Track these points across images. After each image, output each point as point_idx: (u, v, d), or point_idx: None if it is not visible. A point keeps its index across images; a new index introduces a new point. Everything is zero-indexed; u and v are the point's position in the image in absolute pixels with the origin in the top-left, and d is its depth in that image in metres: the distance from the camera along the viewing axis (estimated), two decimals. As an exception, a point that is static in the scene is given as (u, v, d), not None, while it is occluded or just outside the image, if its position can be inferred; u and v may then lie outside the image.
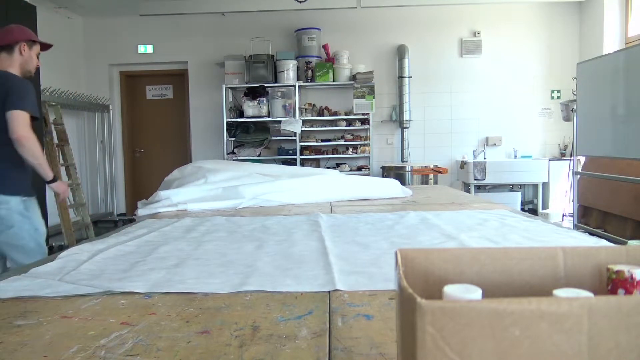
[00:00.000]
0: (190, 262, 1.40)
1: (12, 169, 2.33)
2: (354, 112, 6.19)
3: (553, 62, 6.50)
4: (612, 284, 0.57)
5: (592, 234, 3.81)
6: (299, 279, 1.20)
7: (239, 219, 2.17)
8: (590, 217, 5.07)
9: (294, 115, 6.16)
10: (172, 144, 7.06)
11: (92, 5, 6.15)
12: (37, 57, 2.46)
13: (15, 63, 2.37)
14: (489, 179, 6.02)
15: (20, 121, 2.22)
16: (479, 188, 6.20)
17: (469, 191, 5.85)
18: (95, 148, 6.72)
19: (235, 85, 6.26)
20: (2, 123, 2.23)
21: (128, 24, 6.66)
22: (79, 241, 3.04)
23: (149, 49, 6.72)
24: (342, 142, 6.37)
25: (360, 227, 1.92)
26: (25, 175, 2.39)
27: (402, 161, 6.43)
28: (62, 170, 5.42)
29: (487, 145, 6.55)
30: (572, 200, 5.10)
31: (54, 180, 2.45)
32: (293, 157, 6.25)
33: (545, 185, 6.22)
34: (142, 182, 6.99)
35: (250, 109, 6.11)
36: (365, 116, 6.21)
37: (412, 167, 5.88)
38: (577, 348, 0.43)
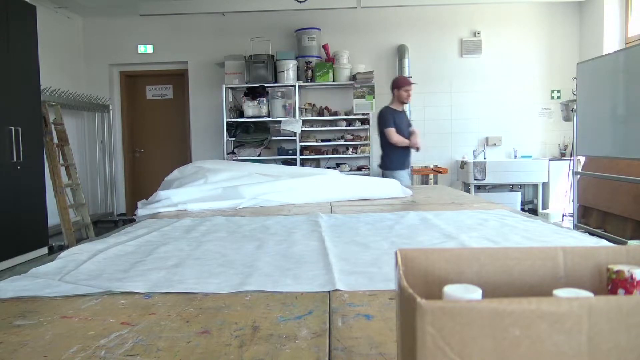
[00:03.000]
0: (190, 262, 1.40)
1: (395, 159, 4.34)
2: (354, 112, 6.20)
3: (553, 62, 6.51)
4: (612, 284, 0.57)
5: (592, 234, 3.81)
6: (299, 279, 1.20)
7: (239, 219, 2.17)
8: (590, 217, 5.07)
9: (294, 115, 6.16)
10: (172, 144, 7.06)
11: (92, 5, 6.15)
12: (407, 93, 4.35)
13: (395, 98, 4.40)
14: (489, 179, 6.02)
15: (389, 134, 4.28)
16: (479, 188, 6.20)
17: (469, 191, 5.85)
18: (95, 148, 6.72)
19: (235, 85, 6.26)
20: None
21: (128, 24, 6.66)
22: (79, 241, 3.05)
23: (149, 49, 6.72)
24: (342, 142, 6.37)
25: (360, 227, 1.91)
26: (397, 159, 4.35)
27: (402, 161, 6.42)
28: (62, 170, 5.43)
29: (487, 145, 6.55)
30: (572, 200, 5.10)
31: (409, 142, 4.33)
32: (293, 157, 6.25)
33: (545, 185, 6.22)
34: (142, 182, 6.99)
35: (250, 109, 6.11)
36: (365, 116, 6.21)
37: (412, 167, 5.87)
38: (577, 348, 0.43)
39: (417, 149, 4.39)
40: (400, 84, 4.41)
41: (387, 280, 1.16)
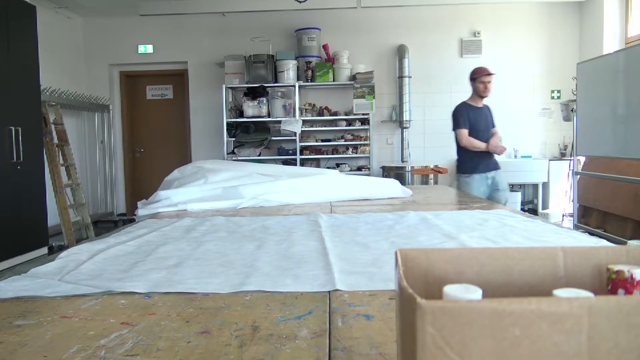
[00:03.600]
0: (190, 262, 1.40)
1: (468, 160, 3.85)
2: (354, 112, 6.20)
3: (553, 62, 6.50)
4: (612, 284, 0.57)
5: (592, 234, 3.81)
6: (298, 279, 1.20)
7: (239, 219, 2.17)
8: (590, 217, 5.07)
9: (294, 115, 6.16)
10: (172, 144, 7.06)
11: (92, 5, 6.15)
12: (483, 85, 3.86)
13: (473, 92, 3.96)
14: (489, 179, 6.01)
15: (459, 136, 3.83)
16: (479, 188, 6.19)
17: (469, 191, 5.84)
18: (95, 148, 6.72)
19: (235, 85, 6.26)
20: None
21: (128, 24, 6.66)
22: (79, 241, 3.05)
23: (149, 49, 6.72)
24: (342, 142, 6.37)
25: (360, 227, 1.91)
26: (470, 161, 3.83)
27: (402, 161, 6.43)
28: (62, 170, 5.43)
29: (487, 145, 6.55)
30: (572, 200, 5.10)
31: (485, 146, 3.78)
32: (293, 157, 6.25)
33: (545, 185, 6.22)
34: (142, 182, 6.99)
35: (250, 109, 6.11)
36: (365, 116, 6.21)
37: (412, 167, 5.88)
38: (577, 348, 0.43)
39: (498, 152, 3.82)
40: (474, 75, 3.90)
41: (387, 280, 1.16)
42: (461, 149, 3.87)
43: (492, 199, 3.77)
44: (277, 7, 6.04)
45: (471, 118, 3.83)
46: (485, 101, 3.96)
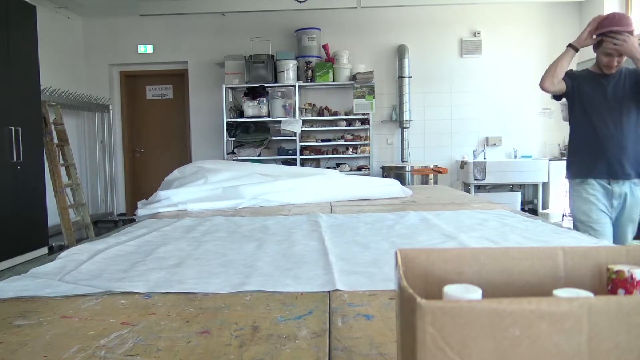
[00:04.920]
0: (190, 262, 1.40)
1: (571, 155, 2.66)
2: (354, 112, 6.20)
3: (553, 62, 6.50)
4: (612, 284, 0.57)
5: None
6: (298, 279, 1.20)
7: (239, 219, 2.17)
8: (590, 217, 5.06)
9: (294, 115, 6.16)
10: (172, 144, 7.06)
11: (92, 5, 6.15)
12: (609, 57, 2.52)
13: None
14: (489, 179, 6.03)
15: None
16: (479, 188, 6.20)
17: (469, 191, 5.85)
18: (95, 148, 6.72)
19: (235, 85, 6.26)
20: None
21: (128, 24, 6.66)
22: (79, 241, 3.05)
23: (149, 49, 6.73)
24: (342, 142, 6.37)
25: (360, 227, 1.91)
26: (579, 158, 2.58)
27: (402, 161, 6.43)
28: (62, 170, 5.43)
29: (487, 145, 6.55)
30: (572, 200, 5.09)
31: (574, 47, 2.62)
32: (293, 157, 6.25)
33: (545, 185, 6.22)
34: (142, 182, 6.99)
35: (250, 109, 6.12)
36: (365, 116, 6.21)
37: (412, 167, 5.88)
38: (577, 348, 0.43)
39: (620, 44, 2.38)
40: (599, 28, 2.59)
41: (387, 280, 1.16)
42: (570, 137, 2.66)
43: (616, 226, 2.52)
44: (277, 7, 6.05)
45: (584, 90, 2.64)
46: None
